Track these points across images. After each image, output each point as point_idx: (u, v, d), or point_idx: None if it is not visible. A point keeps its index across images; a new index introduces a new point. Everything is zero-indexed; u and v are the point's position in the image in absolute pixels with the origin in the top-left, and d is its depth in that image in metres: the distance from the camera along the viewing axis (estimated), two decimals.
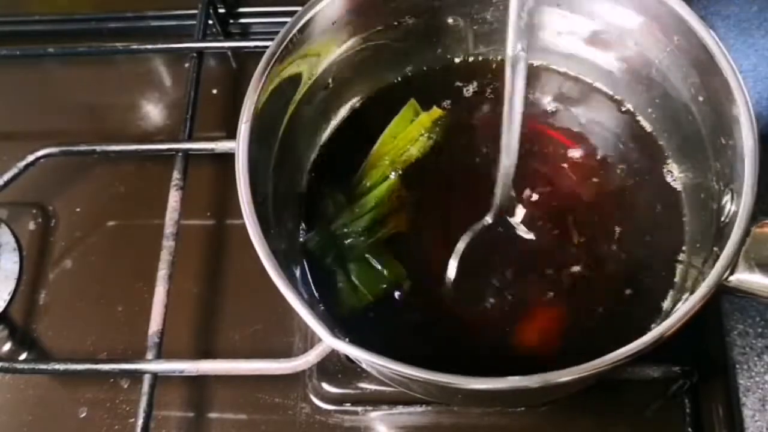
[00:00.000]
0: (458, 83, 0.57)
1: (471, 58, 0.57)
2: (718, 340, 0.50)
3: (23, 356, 0.59)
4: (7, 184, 0.59)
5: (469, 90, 0.56)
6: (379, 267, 0.50)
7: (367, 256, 0.51)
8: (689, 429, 0.52)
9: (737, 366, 0.48)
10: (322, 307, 0.49)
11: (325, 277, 0.50)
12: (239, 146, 0.44)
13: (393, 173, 0.53)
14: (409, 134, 0.54)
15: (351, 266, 0.50)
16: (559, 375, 0.37)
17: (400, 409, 0.54)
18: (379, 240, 0.51)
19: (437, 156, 0.54)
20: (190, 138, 0.61)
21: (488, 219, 0.49)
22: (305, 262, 0.51)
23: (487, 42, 0.56)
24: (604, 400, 0.52)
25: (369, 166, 0.53)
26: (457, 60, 0.57)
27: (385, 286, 0.50)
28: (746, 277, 0.39)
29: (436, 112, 0.55)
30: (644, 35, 0.49)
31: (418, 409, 0.54)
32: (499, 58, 0.57)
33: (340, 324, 0.47)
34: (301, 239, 0.52)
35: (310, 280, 0.50)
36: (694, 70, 0.46)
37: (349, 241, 0.51)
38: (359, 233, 0.51)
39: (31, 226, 0.64)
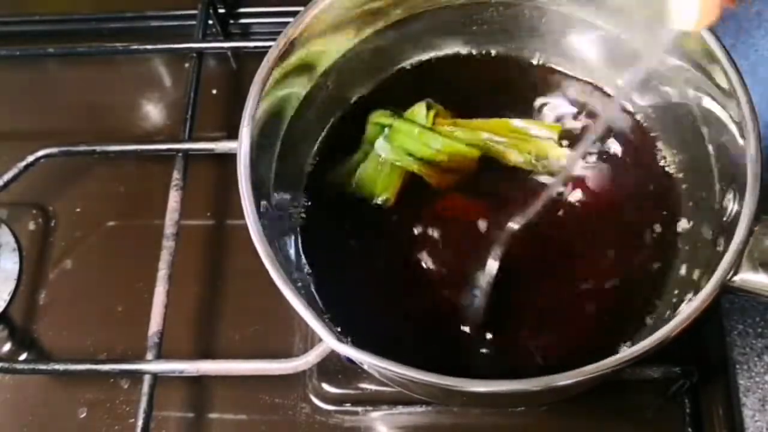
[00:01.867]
0: (459, 82, 0.57)
1: (472, 55, 0.57)
2: (718, 340, 0.50)
3: (23, 356, 0.59)
4: (7, 184, 0.59)
5: (474, 89, 0.56)
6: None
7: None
8: (689, 429, 0.52)
9: (737, 366, 0.48)
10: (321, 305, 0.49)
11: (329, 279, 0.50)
12: (241, 147, 0.44)
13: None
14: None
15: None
16: (562, 378, 0.37)
17: (400, 409, 0.54)
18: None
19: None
20: (190, 138, 0.61)
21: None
22: (306, 263, 0.51)
23: (488, 41, 0.56)
24: (603, 400, 0.52)
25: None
26: (459, 59, 0.57)
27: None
28: (750, 277, 0.39)
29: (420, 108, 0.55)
30: (645, 36, 0.49)
31: (418, 409, 0.54)
32: (494, 53, 0.57)
33: (340, 322, 0.47)
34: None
35: (312, 282, 0.50)
36: (695, 71, 0.46)
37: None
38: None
39: (31, 226, 0.64)
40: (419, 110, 0.54)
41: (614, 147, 0.54)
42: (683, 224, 0.50)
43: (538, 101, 0.55)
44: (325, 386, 0.54)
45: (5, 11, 0.74)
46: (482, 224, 0.51)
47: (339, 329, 0.46)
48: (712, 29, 0.44)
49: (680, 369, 0.51)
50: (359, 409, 0.54)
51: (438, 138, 0.53)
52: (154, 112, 0.70)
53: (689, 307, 0.38)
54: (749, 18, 0.57)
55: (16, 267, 0.62)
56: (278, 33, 0.47)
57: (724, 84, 0.43)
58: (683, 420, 0.52)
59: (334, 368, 0.54)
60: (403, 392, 0.50)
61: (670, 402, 0.52)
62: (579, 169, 0.53)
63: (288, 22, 0.48)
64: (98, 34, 0.73)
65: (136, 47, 0.68)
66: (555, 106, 0.55)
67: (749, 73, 0.43)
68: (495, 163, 0.54)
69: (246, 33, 0.74)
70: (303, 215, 0.53)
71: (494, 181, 0.53)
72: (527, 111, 0.55)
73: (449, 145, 0.53)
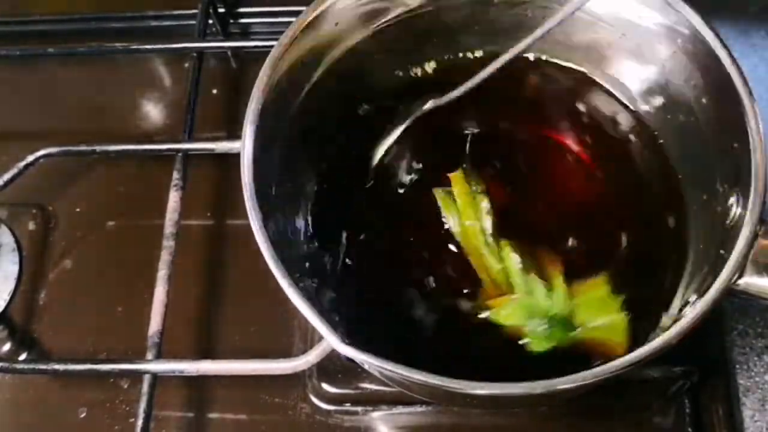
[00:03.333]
0: (461, 83, 0.57)
1: (478, 56, 0.57)
2: (718, 340, 0.50)
3: (23, 356, 0.59)
4: (7, 184, 0.59)
5: (475, 89, 0.56)
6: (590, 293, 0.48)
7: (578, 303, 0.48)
8: (689, 429, 0.52)
9: (737, 366, 0.48)
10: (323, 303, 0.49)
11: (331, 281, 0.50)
12: (245, 146, 0.44)
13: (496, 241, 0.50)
14: (464, 209, 0.51)
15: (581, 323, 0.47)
16: (563, 382, 0.37)
17: (400, 409, 0.54)
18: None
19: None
20: (190, 138, 0.61)
21: None
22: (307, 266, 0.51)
23: (493, 41, 0.56)
24: (603, 400, 0.52)
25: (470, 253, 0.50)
26: (460, 59, 0.57)
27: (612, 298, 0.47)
28: (755, 281, 0.39)
29: (455, 179, 0.52)
30: (647, 36, 0.49)
31: (418, 409, 0.54)
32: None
33: (341, 322, 0.47)
34: None
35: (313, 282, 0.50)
36: (698, 72, 0.46)
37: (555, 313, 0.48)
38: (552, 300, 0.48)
39: (31, 226, 0.64)
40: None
41: (614, 147, 0.54)
42: (685, 227, 0.50)
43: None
44: (325, 386, 0.54)
45: (5, 11, 0.74)
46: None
47: (340, 329, 0.46)
48: (714, 29, 0.44)
49: (680, 369, 0.51)
50: (359, 409, 0.54)
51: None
52: (154, 112, 0.70)
53: (693, 311, 0.38)
54: (749, 18, 0.57)
55: (16, 267, 0.62)
56: (279, 33, 0.47)
57: (728, 85, 0.43)
58: (683, 420, 0.52)
59: (334, 368, 0.54)
60: (403, 392, 0.50)
61: (670, 402, 0.52)
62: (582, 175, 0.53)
63: (289, 22, 0.48)
64: (98, 34, 0.73)
65: (136, 47, 0.68)
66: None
67: (749, 73, 0.43)
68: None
69: (246, 33, 0.73)
70: (306, 214, 0.53)
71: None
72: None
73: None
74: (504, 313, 0.48)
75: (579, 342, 0.47)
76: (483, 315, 0.48)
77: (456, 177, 0.52)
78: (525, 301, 0.48)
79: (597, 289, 0.48)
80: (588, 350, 0.46)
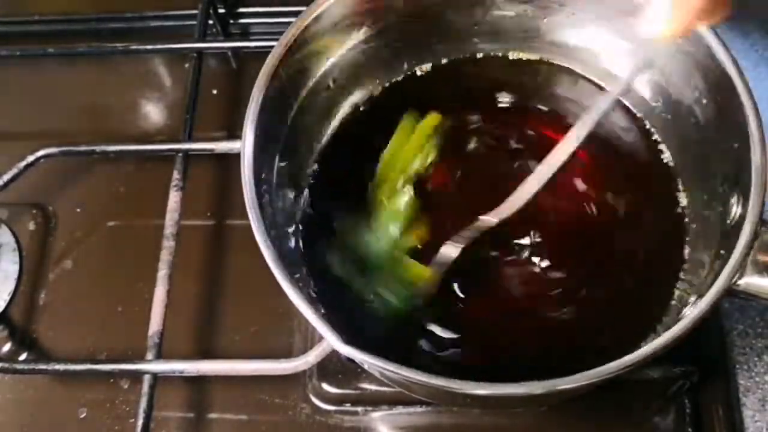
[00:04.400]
0: (462, 83, 0.57)
1: (476, 56, 0.57)
2: (718, 340, 0.50)
3: (23, 356, 0.59)
4: (7, 184, 0.59)
5: (476, 89, 0.56)
6: (408, 277, 0.49)
7: (393, 269, 0.50)
8: (689, 429, 0.52)
9: (737, 366, 0.49)
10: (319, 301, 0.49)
11: (330, 284, 0.50)
12: (245, 145, 0.44)
13: (405, 186, 0.52)
14: (413, 144, 0.53)
15: (377, 282, 0.49)
16: (563, 382, 0.37)
17: (400, 409, 0.54)
18: (402, 251, 0.50)
19: (444, 162, 0.54)
20: (190, 138, 0.61)
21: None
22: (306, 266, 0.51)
23: (492, 41, 0.56)
24: (603, 400, 0.52)
25: (379, 181, 0.53)
26: (461, 59, 0.57)
27: (414, 295, 0.48)
28: (755, 281, 0.39)
29: (434, 117, 0.54)
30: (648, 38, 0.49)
31: (418, 409, 0.54)
32: (500, 55, 0.57)
33: (340, 321, 0.47)
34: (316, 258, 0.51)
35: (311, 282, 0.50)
36: (698, 72, 0.46)
37: (371, 256, 0.50)
38: (382, 248, 0.50)
39: (31, 226, 0.64)
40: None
41: (614, 147, 0.54)
42: (685, 227, 0.50)
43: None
44: (325, 386, 0.54)
45: (5, 11, 0.75)
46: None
47: (340, 329, 0.46)
48: (714, 29, 0.44)
49: (680, 369, 0.51)
50: (359, 409, 0.54)
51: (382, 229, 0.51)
52: (154, 112, 0.70)
53: (694, 311, 0.38)
54: (749, 19, 0.58)
55: (16, 267, 0.62)
56: (279, 33, 0.47)
57: (729, 86, 0.43)
58: (683, 420, 0.52)
59: (334, 368, 0.54)
60: (403, 392, 0.50)
61: (670, 402, 0.52)
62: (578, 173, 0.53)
63: (289, 22, 0.48)
64: (98, 34, 0.73)
65: (135, 47, 0.68)
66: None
67: (749, 73, 0.43)
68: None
69: (246, 33, 0.73)
70: (305, 215, 0.53)
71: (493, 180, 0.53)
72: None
73: (390, 216, 0.52)
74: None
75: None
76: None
77: (434, 117, 0.54)
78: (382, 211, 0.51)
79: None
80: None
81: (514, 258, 0.50)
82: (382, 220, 0.51)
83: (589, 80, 0.55)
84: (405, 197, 0.52)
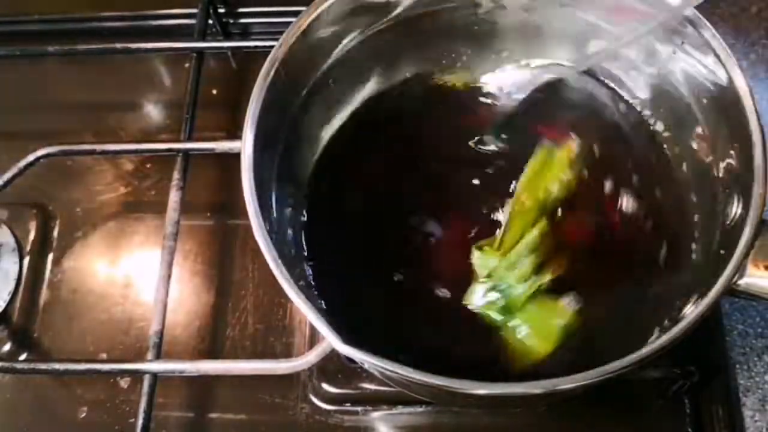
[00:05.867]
0: (462, 82, 0.57)
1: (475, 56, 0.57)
2: (718, 340, 0.50)
3: (23, 356, 0.59)
4: (7, 184, 0.59)
5: (475, 88, 0.56)
6: (552, 314, 0.47)
7: (533, 306, 0.48)
8: (689, 429, 0.52)
9: (737, 366, 0.48)
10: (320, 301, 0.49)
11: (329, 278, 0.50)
12: (245, 145, 0.44)
13: (541, 217, 0.50)
14: (550, 175, 0.52)
15: (517, 321, 0.48)
16: (563, 382, 0.37)
17: (400, 409, 0.54)
18: (541, 288, 0.48)
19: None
20: (190, 138, 0.61)
21: None
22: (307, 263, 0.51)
23: (492, 40, 0.56)
24: (603, 400, 0.52)
25: (514, 213, 0.51)
26: (461, 58, 0.57)
27: (563, 330, 0.47)
28: (755, 281, 0.39)
29: (570, 149, 0.52)
30: (647, 37, 0.49)
31: (418, 409, 0.54)
32: (504, 55, 0.57)
33: (341, 321, 0.47)
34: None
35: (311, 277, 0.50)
36: (698, 72, 0.46)
37: (509, 295, 0.48)
38: (519, 285, 0.48)
39: (31, 226, 0.64)
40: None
41: (615, 146, 0.53)
42: (685, 227, 0.50)
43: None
44: (325, 386, 0.54)
45: (5, 11, 0.74)
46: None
47: (340, 329, 0.46)
48: (713, 29, 0.44)
49: (680, 369, 0.51)
50: (359, 409, 0.54)
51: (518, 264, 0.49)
52: (154, 111, 0.70)
53: (693, 311, 0.38)
54: (749, 18, 0.57)
55: (16, 267, 0.62)
56: (279, 32, 0.47)
57: (727, 87, 0.43)
58: (683, 420, 0.52)
59: (334, 368, 0.54)
60: (403, 392, 0.50)
61: (670, 402, 0.52)
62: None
63: (289, 22, 0.48)
64: (98, 33, 0.73)
65: (135, 47, 0.68)
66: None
67: (749, 73, 0.43)
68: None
69: (246, 33, 0.73)
70: (305, 214, 0.53)
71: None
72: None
73: (526, 248, 0.49)
74: (481, 250, 0.49)
75: (498, 330, 0.48)
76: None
77: (571, 147, 0.52)
78: (504, 261, 0.49)
79: (557, 315, 0.48)
80: (498, 344, 0.47)
81: None
82: (519, 250, 0.49)
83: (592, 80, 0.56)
84: (538, 226, 0.50)
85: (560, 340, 0.47)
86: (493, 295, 0.48)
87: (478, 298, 0.48)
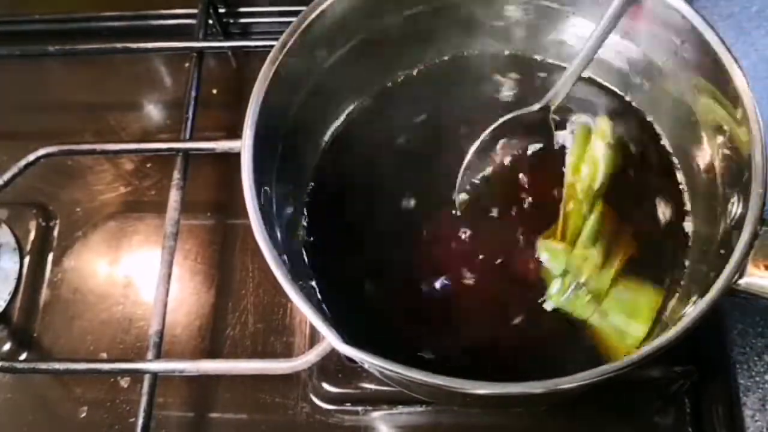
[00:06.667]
0: (464, 82, 0.57)
1: (474, 55, 0.57)
2: (718, 340, 0.50)
3: (23, 356, 0.59)
4: (7, 184, 0.59)
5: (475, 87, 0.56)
6: (640, 294, 0.47)
7: (618, 290, 0.47)
8: (689, 429, 0.52)
9: (737, 366, 0.48)
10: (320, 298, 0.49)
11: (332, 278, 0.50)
12: (245, 145, 0.44)
13: (595, 203, 0.49)
14: (594, 150, 0.51)
15: (606, 309, 0.47)
16: (564, 381, 0.37)
17: (400, 409, 0.54)
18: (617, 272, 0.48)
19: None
20: (191, 138, 0.61)
21: None
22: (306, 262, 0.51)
23: (491, 40, 0.56)
24: (604, 400, 0.52)
25: (568, 198, 0.50)
26: (461, 59, 0.57)
27: (654, 307, 0.47)
28: (755, 281, 0.39)
29: (605, 119, 0.52)
30: (649, 37, 0.49)
31: (418, 409, 0.54)
32: (506, 53, 0.57)
33: (341, 321, 0.47)
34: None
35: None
36: (698, 71, 0.46)
37: (591, 287, 0.47)
38: (597, 274, 0.47)
39: (31, 226, 0.64)
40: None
41: (618, 148, 0.53)
42: (687, 228, 0.50)
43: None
44: (325, 386, 0.54)
45: (5, 11, 0.75)
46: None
47: (340, 328, 0.46)
48: (713, 29, 0.44)
49: (680, 369, 0.51)
50: (359, 408, 0.54)
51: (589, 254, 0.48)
52: (154, 111, 0.70)
53: (693, 311, 0.38)
54: (749, 18, 0.57)
55: (16, 267, 0.62)
56: (278, 32, 0.47)
57: (727, 86, 0.43)
58: (683, 420, 0.52)
59: (334, 368, 0.54)
60: (403, 392, 0.50)
61: (670, 402, 0.52)
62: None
63: (289, 22, 0.48)
64: (98, 33, 0.73)
65: (136, 47, 0.68)
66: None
67: (749, 73, 0.43)
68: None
69: (246, 32, 0.74)
70: (305, 214, 0.53)
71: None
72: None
73: (591, 237, 0.49)
74: (550, 247, 0.48)
75: (587, 326, 0.47)
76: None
77: (606, 125, 0.51)
78: (575, 256, 0.48)
79: (645, 295, 0.47)
80: (589, 339, 0.47)
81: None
82: (585, 239, 0.48)
83: (594, 81, 0.55)
84: (596, 212, 0.49)
85: (653, 318, 0.47)
86: (576, 291, 0.47)
87: (561, 296, 0.47)
